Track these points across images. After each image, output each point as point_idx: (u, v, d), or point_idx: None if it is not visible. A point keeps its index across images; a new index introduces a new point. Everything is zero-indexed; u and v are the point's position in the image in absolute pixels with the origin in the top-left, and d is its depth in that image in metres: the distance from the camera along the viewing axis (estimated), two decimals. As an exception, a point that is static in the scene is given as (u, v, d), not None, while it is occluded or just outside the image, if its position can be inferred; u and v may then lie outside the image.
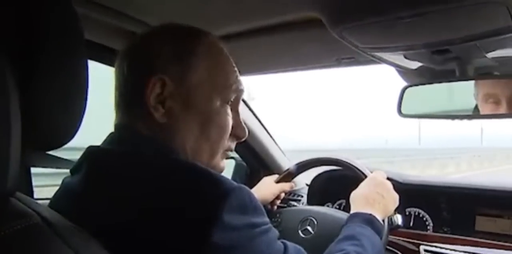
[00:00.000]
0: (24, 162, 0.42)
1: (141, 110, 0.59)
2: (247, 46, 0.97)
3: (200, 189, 0.52)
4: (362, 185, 0.90)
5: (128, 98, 0.61)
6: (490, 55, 0.85)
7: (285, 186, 1.12)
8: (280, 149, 1.47)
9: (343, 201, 1.28)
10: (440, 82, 0.93)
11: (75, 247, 0.41)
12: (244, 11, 0.83)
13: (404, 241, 1.11)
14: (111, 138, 0.61)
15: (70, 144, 0.46)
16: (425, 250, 1.08)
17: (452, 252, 1.04)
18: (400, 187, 1.03)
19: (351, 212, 0.83)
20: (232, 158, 1.46)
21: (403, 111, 0.96)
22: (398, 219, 0.89)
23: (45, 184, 2.01)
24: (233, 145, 0.66)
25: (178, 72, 0.59)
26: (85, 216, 0.49)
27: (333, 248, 0.71)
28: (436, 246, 1.07)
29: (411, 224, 1.17)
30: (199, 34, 0.63)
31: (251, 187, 1.09)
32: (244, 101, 1.28)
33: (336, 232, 0.77)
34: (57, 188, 0.63)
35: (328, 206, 1.28)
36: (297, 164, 1.14)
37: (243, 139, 0.67)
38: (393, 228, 0.88)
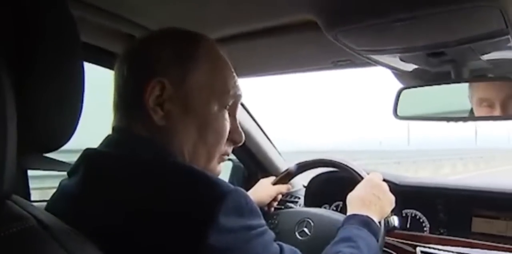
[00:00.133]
0: (21, 164, 0.41)
1: (140, 113, 0.59)
2: (244, 48, 0.97)
3: (196, 191, 0.52)
4: (359, 187, 0.91)
5: (128, 100, 0.61)
6: (485, 57, 0.86)
7: (282, 187, 1.12)
8: (278, 151, 1.47)
9: (340, 203, 1.28)
10: (435, 84, 0.93)
11: (71, 250, 0.41)
12: (241, 14, 0.84)
13: (401, 242, 1.11)
14: (108, 140, 0.61)
15: (67, 146, 0.46)
16: (422, 252, 1.08)
17: (449, 253, 1.04)
18: (397, 188, 1.03)
19: (348, 213, 0.83)
20: (230, 159, 1.46)
21: (399, 113, 0.96)
22: (395, 220, 0.89)
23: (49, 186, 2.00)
24: (229, 150, 0.66)
25: (177, 76, 0.59)
26: (81, 219, 0.49)
27: (330, 250, 0.71)
28: (432, 248, 1.07)
29: (408, 225, 1.17)
30: (198, 38, 0.63)
31: (248, 189, 1.09)
32: (241, 103, 1.27)
33: (332, 234, 0.77)
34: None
35: (325, 207, 1.28)
36: (297, 164, 1.13)
37: (240, 144, 0.67)
38: (389, 230, 0.88)
